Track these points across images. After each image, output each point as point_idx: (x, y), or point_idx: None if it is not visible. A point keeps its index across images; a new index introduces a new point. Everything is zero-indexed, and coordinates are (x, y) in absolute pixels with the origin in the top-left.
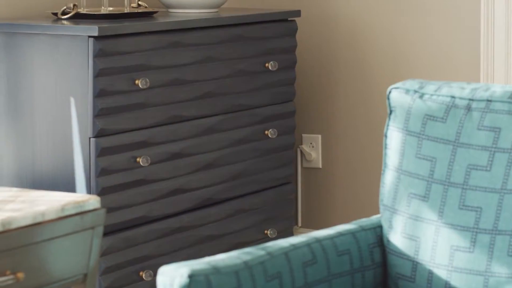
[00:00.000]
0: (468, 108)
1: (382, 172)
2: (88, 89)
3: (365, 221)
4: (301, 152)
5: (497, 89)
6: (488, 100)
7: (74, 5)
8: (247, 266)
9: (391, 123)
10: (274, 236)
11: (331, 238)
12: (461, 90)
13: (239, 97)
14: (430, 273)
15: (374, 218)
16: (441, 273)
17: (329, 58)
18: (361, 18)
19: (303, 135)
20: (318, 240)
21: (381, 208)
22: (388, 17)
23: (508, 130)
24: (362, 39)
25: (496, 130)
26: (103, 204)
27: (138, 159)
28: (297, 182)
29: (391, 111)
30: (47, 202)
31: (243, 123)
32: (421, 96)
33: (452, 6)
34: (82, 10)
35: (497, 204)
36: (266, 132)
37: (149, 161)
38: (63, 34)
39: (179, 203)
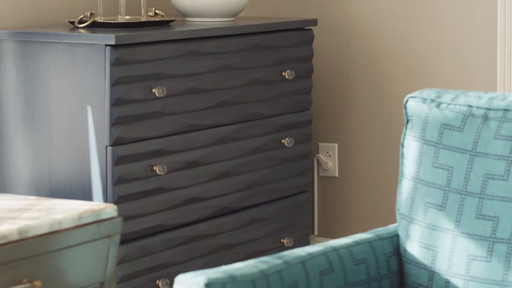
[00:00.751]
0: (485, 118)
1: (399, 181)
2: (105, 97)
3: (381, 230)
4: (318, 161)
5: None
6: (505, 110)
7: (91, 13)
8: (263, 275)
9: (408, 132)
10: (290, 245)
11: (348, 247)
12: (478, 99)
13: (256, 106)
14: (447, 282)
15: (390, 227)
16: (458, 282)
17: (346, 66)
18: (377, 27)
19: (319, 144)
20: (335, 249)
21: (398, 217)
22: (404, 26)
23: None
24: (379, 48)
25: None
26: (119, 213)
27: (154, 168)
28: (313, 191)
29: (408, 120)
30: (64, 211)
31: (260, 132)
32: (438, 105)
33: (469, 15)
34: (99, 19)
35: None
36: (282, 141)
37: (166, 170)
38: (80, 43)
39: (195, 212)
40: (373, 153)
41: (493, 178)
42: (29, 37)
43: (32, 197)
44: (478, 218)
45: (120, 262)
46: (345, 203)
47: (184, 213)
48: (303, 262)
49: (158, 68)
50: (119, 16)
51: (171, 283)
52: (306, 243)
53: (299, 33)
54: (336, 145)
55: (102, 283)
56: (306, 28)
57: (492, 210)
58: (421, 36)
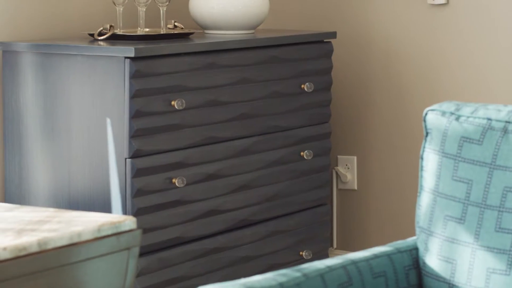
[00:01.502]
0: (505, 131)
1: (418, 194)
2: (124, 109)
3: (400, 243)
4: (337, 173)
5: None
6: None
7: (111, 26)
8: (282, 287)
9: (427, 145)
10: (309, 257)
11: (367, 260)
12: (497, 112)
13: (275, 119)
14: None
15: (410, 240)
16: None
17: (365, 79)
18: (396, 39)
19: (338, 156)
20: (354, 262)
21: (417, 230)
22: (423, 39)
23: None
24: (398, 61)
25: None
26: (138, 225)
27: (173, 180)
28: (332, 203)
29: (427, 133)
30: (84, 223)
31: (279, 144)
32: (457, 118)
33: (488, 28)
34: (119, 31)
35: None
36: (301, 153)
37: (185, 182)
38: (99, 55)
39: (214, 224)
40: (392, 165)
41: None
42: (48, 50)
43: (52, 209)
44: (498, 231)
45: (139, 274)
46: (364, 216)
47: (203, 225)
48: (322, 275)
49: (177, 80)
50: (139, 28)
51: None
52: (325, 256)
53: (318, 45)
54: (355, 157)
55: None
56: (325, 40)
57: (511, 223)
58: (440, 49)
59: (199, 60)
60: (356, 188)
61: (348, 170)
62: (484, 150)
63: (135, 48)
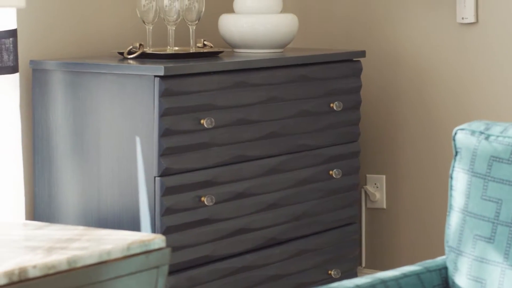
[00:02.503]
0: None
1: (447, 213)
2: (154, 128)
3: (430, 263)
4: (366, 192)
5: None
6: None
7: (140, 44)
8: None
9: (456, 164)
10: (338, 276)
11: (396, 279)
12: None
13: (304, 137)
14: None
15: (439, 259)
16: None
17: (394, 98)
18: (426, 58)
19: (367, 175)
20: (383, 281)
21: (446, 249)
22: (453, 57)
23: None
24: (427, 79)
25: None
26: (167, 243)
27: (202, 199)
28: (361, 222)
29: (456, 153)
30: (113, 241)
31: (308, 163)
32: (487, 138)
33: None
34: (148, 50)
35: None
36: (330, 172)
37: (214, 201)
38: (129, 74)
39: (243, 243)
40: (421, 185)
41: None
42: (78, 68)
43: (81, 227)
44: None
45: None
46: (393, 234)
47: (232, 244)
48: None
49: (206, 99)
50: (168, 47)
51: None
52: (354, 275)
53: (347, 64)
54: (384, 176)
55: None
56: (354, 59)
57: None
58: (469, 67)
59: (228, 79)
60: (385, 207)
61: (377, 189)
62: None
63: (164, 67)
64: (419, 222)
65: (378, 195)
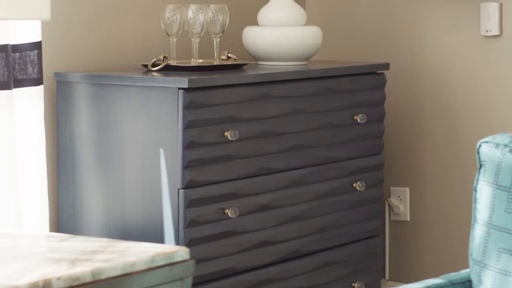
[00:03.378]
0: None
1: (471, 226)
2: (178, 140)
3: (454, 275)
4: (389, 205)
5: None
6: None
7: (164, 57)
8: None
9: (481, 177)
10: None
11: None
12: None
13: (328, 150)
14: None
15: (463, 272)
16: None
17: (418, 110)
18: (450, 70)
19: (391, 188)
20: None
21: (471, 262)
22: (477, 70)
23: None
24: (451, 92)
25: None
26: (191, 255)
27: (226, 211)
28: (385, 235)
29: (481, 165)
30: (137, 253)
31: (331, 175)
32: (511, 151)
33: None
34: (172, 62)
35: None
36: (354, 184)
37: (237, 213)
38: (153, 86)
39: (266, 255)
40: (445, 197)
41: None
42: (102, 80)
43: (105, 239)
44: None
45: None
46: (417, 247)
47: (255, 256)
48: None
49: (230, 111)
50: (192, 59)
51: None
52: (378, 287)
53: (371, 77)
54: (408, 189)
55: None
56: (378, 72)
57: None
58: (493, 80)
59: (252, 91)
60: (408, 219)
61: (400, 202)
62: None
63: (188, 79)
64: (443, 234)
65: (401, 208)
